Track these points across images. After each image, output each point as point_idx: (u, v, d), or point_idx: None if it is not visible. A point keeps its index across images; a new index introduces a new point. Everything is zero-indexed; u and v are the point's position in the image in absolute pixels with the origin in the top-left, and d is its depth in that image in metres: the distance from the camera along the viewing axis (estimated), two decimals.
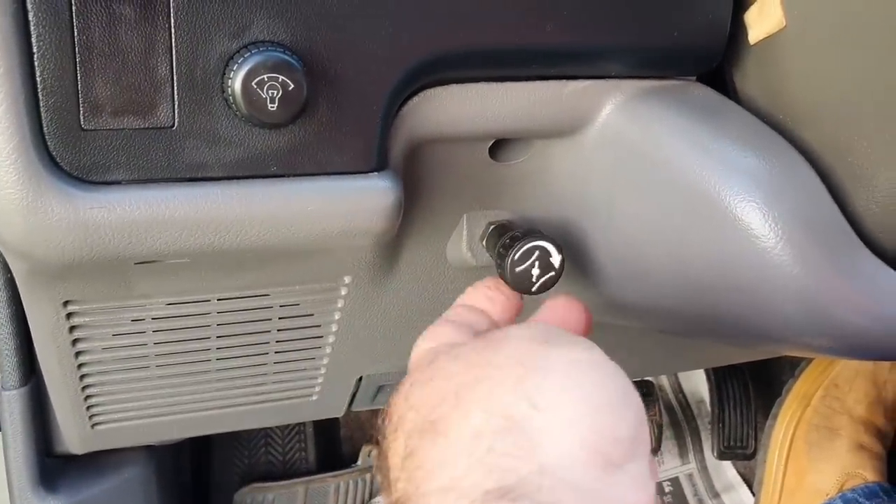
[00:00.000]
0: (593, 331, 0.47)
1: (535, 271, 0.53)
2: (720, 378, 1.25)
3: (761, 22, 0.51)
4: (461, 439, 0.35)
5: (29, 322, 0.59)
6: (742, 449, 1.23)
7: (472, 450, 0.34)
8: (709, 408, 1.27)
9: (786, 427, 1.10)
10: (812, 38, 0.48)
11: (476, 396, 0.36)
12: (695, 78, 0.56)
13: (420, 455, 0.36)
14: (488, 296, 0.50)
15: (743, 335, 0.56)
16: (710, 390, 1.26)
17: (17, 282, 0.55)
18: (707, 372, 1.26)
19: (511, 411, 0.35)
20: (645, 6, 0.51)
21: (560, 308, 0.47)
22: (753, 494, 1.19)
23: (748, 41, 0.52)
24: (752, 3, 0.51)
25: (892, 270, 0.47)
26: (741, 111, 0.53)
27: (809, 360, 1.12)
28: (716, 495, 1.27)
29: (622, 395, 0.37)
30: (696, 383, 1.31)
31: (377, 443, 0.41)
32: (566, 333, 0.40)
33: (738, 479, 1.27)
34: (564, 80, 0.53)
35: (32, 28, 0.40)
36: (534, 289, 0.53)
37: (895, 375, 1.10)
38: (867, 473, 1.04)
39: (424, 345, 0.46)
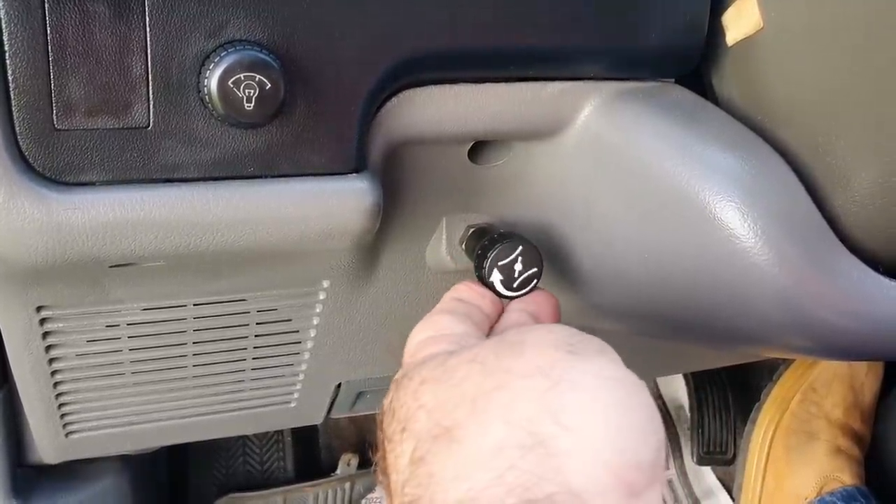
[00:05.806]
0: None
1: (514, 274, 0.52)
2: (699, 383, 1.25)
3: (739, 23, 0.51)
4: (480, 451, 0.33)
5: (0, 328, 0.58)
6: (721, 454, 1.23)
7: (493, 464, 0.32)
8: (688, 413, 1.27)
9: (764, 432, 1.10)
10: (789, 39, 0.48)
11: (496, 406, 0.34)
12: (673, 80, 0.56)
13: (433, 462, 0.34)
14: (478, 291, 0.50)
15: (722, 336, 0.56)
16: (689, 396, 1.26)
17: None
18: (686, 377, 1.26)
19: (535, 427, 0.33)
20: (623, 8, 0.51)
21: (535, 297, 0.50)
22: (733, 500, 1.19)
23: (726, 43, 0.52)
24: (729, 5, 0.52)
25: (870, 270, 0.47)
26: (719, 112, 0.53)
27: (787, 365, 1.13)
28: (696, 501, 1.27)
29: (647, 418, 0.35)
30: (675, 389, 1.32)
31: (375, 439, 0.40)
32: (590, 340, 0.38)
33: (718, 484, 1.27)
34: (543, 82, 0.52)
35: (4, 25, 0.40)
36: (513, 292, 0.53)
37: (871, 379, 1.11)
38: (845, 477, 1.05)
39: (422, 335, 0.44)
